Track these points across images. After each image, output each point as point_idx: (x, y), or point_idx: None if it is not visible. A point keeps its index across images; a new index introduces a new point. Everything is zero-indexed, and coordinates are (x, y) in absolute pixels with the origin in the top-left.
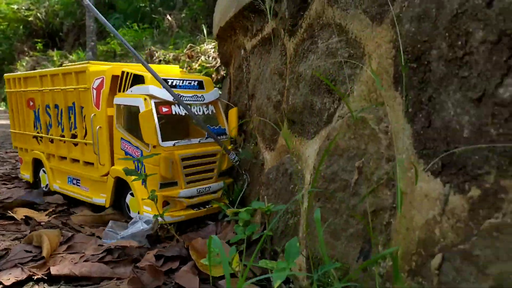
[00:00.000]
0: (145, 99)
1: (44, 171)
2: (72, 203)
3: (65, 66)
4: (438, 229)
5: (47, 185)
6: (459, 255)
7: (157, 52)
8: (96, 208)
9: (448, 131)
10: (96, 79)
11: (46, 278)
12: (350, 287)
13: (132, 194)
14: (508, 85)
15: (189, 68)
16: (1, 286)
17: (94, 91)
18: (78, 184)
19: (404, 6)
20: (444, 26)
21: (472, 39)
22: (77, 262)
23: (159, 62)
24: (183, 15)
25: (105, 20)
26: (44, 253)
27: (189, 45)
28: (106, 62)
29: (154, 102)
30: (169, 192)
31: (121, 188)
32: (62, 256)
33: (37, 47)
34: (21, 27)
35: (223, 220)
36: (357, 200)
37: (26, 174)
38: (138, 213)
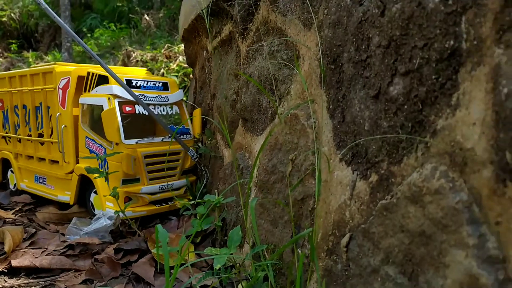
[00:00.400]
0: (108, 98)
1: (12, 171)
2: (39, 202)
3: (32, 67)
4: (348, 212)
5: (15, 185)
6: (361, 233)
7: (134, 52)
8: (63, 207)
9: (355, 125)
10: (62, 79)
11: (6, 271)
12: (278, 264)
13: (96, 192)
14: (396, 83)
15: (167, 68)
16: None
17: (60, 91)
18: (44, 182)
19: (324, 14)
20: (352, 32)
21: (372, 43)
22: (38, 256)
23: (136, 62)
24: (161, 14)
25: (63, 23)
26: (6, 248)
27: (166, 45)
28: (73, 64)
29: (118, 102)
30: (131, 188)
31: (85, 186)
32: (24, 251)
33: (12, 48)
34: None
35: (185, 215)
36: (290, 189)
37: None
38: (97, 208)
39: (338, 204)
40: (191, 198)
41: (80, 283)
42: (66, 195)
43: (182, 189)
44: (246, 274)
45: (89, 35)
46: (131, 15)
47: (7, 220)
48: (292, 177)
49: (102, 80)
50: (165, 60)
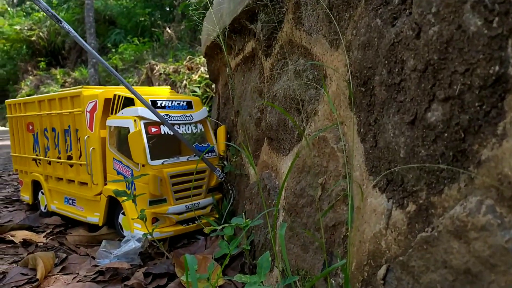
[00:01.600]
0: (134, 120)
1: (42, 193)
2: (70, 223)
3: (60, 91)
4: (384, 242)
5: (45, 206)
6: (399, 265)
7: (157, 65)
8: (93, 228)
9: (389, 151)
10: (89, 103)
11: None
12: None
13: (124, 213)
14: (434, 109)
15: (189, 79)
16: None
17: (88, 114)
18: (74, 203)
19: (353, 34)
20: (384, 54)
21: (406, 66)
22: (69, 283)
23: (160, 75)
24: (182, 27)
25: (88, 46)
26: (38, 276)
27: (188, 57)
28: (100, 87)
29: (144, 123)
30: (158, 209)
31: (114, 207)
32: (56, 278)
33: (40, 66)
34: (24, 47)
35: (212, 235)
36: (320, 215)
37: (26, 196)
38: (126, 230)
39: (373, 233)
40: (217, 216)
41: None
42: (95, 217)
43: (208, 207)
44: None
45: (113, 50)
46: (153, 29)
47: (39, 244)
48: (322, 202)
49: (128, 102)
50: (187, 71)
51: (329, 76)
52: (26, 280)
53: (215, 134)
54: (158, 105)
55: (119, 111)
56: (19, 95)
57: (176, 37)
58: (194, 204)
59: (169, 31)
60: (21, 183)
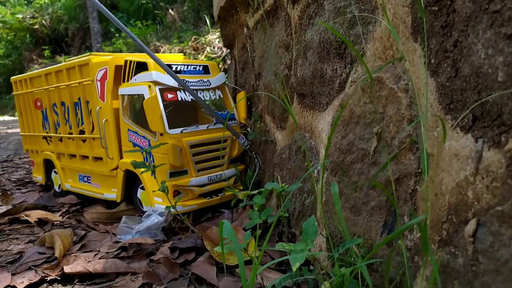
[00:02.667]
0: (149, 86)
1: (55, 172)
2: (86, 202)
3: (67, 60)
4: (472, 191)
5: (59, 186)
6: (496, 218)
7: (162, 47)
8: (110, 205)
9: (479, 78)
10: (99, 71)
11: (59, 278)
12: (375, 264)
13: (142, 188)
14: None
15: (195, 60)
16: None
17: (98, 83)
18: (89, 181)
19: None
20: None
21: None
22: (90, 260)
23: None
24: (185, 8)
25: (106, 10)
26: (57, 254)
27: (193, 37)
28: (109, 53)
29: (159, 89)
30: (180, 181)
31: (131, 182)
32: (76, 255)
33: (45, 54)
34: (27, 35)
35: (238, 206)
36: (377, 170)
37: (39, 176)
38: (150, 206)
39: (455, 182)
40: (241, 188)
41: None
42: (113, 193)
43: (232, 179)
44: (325, 272)
45: (117, 34)
46: (156, 11)
47: (55, 222)
48: (378, 154)
49: (141, 67)
50: (192, 52)
51: (381, 6)
52: (44, 259)
53: (234, 100)
54: (173, 69)
55: (131, 78)
56: None
57: (179, 19)
58: (216, 175)
59: (172, 12)
60: (33, 163)
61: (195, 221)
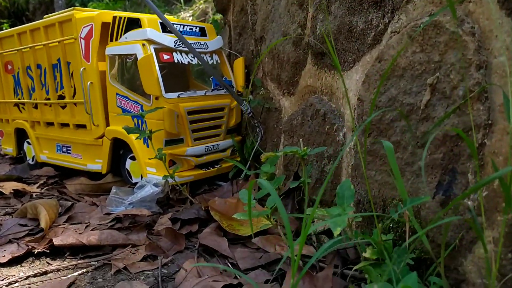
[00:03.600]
0: (143, 44)
1: (28, 142)
2: (64, 174)
3: (46, 17)
4: None
5: (33, 158)
6: None
7: None
8: (94, 177)
9: None
10: (83, 27)
11: (48, 251)
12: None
13: (132, 158)
14: None
15: None
16: None
17: (83, 42)
18: (68, 151)
19: None
20: None
21: None
22: (82, 232)
23: None
24: None
25: None
26: (43, 225)
27: (165, 14)
28: (91, 9)
29: (154, 48)
30: (176, 150)
31: (118, 152)
32: (64, 227)
33: (3, 28)
34: None
35: (239, 178)
36: (430, 125)
37: (9, 148)
38: (142, 176)
39: None
40: (239, 159)
41: (141, 261)
42: (97, 164)
43: (228, 150)
44: (363, 237)
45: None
46: None
47: (33, 194)
48: (432, 108)
49: (132, 25)
50: None
51: None
52: (26, 232)
53: (230, 67)
54: (183, 30)
55: (121, 37)
56: None
57: None
58: (214, 145)
59: None
60: (1, 134)
61: (191, 194)
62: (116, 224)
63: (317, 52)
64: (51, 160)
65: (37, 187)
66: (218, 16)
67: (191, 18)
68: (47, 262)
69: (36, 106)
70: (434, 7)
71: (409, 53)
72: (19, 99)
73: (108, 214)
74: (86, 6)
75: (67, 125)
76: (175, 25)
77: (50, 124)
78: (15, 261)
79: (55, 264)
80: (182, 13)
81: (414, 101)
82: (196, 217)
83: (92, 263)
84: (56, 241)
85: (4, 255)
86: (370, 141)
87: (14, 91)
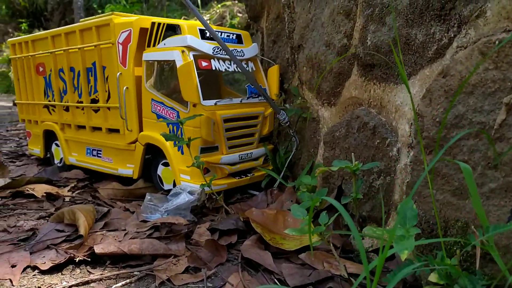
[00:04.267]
0: (182, 51)
1: (57, 144)
2: (94, 177)
3: (82, 21)
4: None
5: (61, 160)
6: None
7: None
8: (124, 181)
9: None
10: (122, 32)
11: (88, 259)
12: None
13: (164, 164)
14: None
15: None
16: (37, 271)
17: (120, 47)
18: (99, 155)
19: None
20: None
21: None
22: (121, 240)
23: None
24: None
25: None
26: (82, 231)
27: (182, 17)
28: (130, 14)
29: (193, 55)
30: (211, 158)
31: (150, 157)
32: (103, 234)
33: (22, 28)
34: (3, 7)
35: (273, 188)
36: (505, 146)
37: (36, 149)
38: (174, 183)
39: None
40: (271, 168)
41: (183, 272)
42: (129, 169)
43: (261, 159)
44: (429, 261)
45: (99, 11)
46: None
47: (66, 198)
48: (508, 127)
49: (171, 31)
50: None
51: None
52: (64, 238)
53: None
54: (207, 35)
55: (159, 43)
56: (0, 58)
57: None
58: (247, 154)
59: None
60: (29, 134)
61: (224, 202)
62: (154, 232)
63: (365, 64)
64: (80, 163)
65: (68, 190)
66: (235, 21)
67: (208, 21)
68: (87, 271)
69: (67, 109)
70: (509, 23)
71: (480, 70)
72: (49, 101)
73: (144, 221)
74: (103, 8)
75: (99, 128)
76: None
77: (81, 127)
78: (55, 269)
79: (97, 273)
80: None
81: (485, 119)
82: (235, 228)
83: (134, 273)
84: (97, 249)
85: (45, 262)
86: (430, 158)
87: (44, 93)
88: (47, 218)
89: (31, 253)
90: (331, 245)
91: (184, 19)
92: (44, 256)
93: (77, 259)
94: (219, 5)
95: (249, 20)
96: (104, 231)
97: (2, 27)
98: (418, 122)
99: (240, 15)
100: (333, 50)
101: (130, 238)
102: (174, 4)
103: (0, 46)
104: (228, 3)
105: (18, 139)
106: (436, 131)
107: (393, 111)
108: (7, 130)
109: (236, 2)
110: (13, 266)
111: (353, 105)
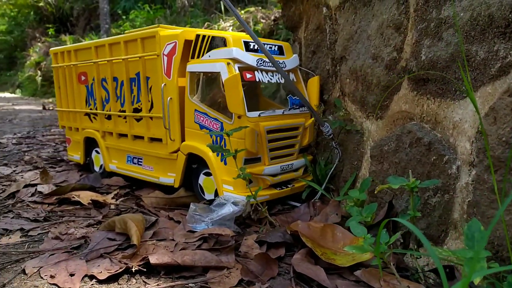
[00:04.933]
0: (228, 63)
1: (97, 151)
2: (134, 185)
3: (127, 32)
4: None
5: (101, 166)
6: None
7: None
8: (164, 190)
9: None
10: (167, 45)
11: (144, 269)
12: None
13: (206, 174)
14: None
15: None
16: (95, 280)
17: (165, 58)
18: (140, 163)
19: None
20: None
21: None
22: (173, 250)
23: None
24: None
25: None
26: (135, 241)
27: (206, 23)
28: (174, 26)
29: (238, 67)
30: (254, 169)
31: (192, 167)
32: (154, 244)
33: (49, 33)
34: (31, 13)
35: (315, 199)
36: None
37: (76, 155)
38: (216, 194)
39: None
40: (309, 179)
41: (236, 285)
42: (170, 177)
43: (301, 170)
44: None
45: (124, 17)
46: None
47: (111, 206)
48: None
49: (216, 43)
50: None
51: None
52: (116, 246)
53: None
54: (251, 47)
55: (203, 55)
56: (27, 62)
57: (189, 4)
58: (288, 165)
59: None
60: (69, 141)
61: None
62: (203, 243)
63: (418, 78)
64: (120, 170)
65: (112, 198)
66: (259, 27)
67: (231, 28)
68: (143, 281)
69: (109, 117)
70: None
71: None
72: (91, 109)
73: (191, 231)
74: (128, 13)
75: (140, 137)
76: (254, 44)
77: (122, 135)
78: (112, 278)
79: (152, 283)
80: (222, 22)
81: None
82: (283, 241)
83: (189, 285)
84: (152, 259)
85: (101, 271)
86: (498, 178)
87: (86, 101)
88: (96, 226)
89: (86, 262)
90: (391, 264)
91: (208, 25)
92: (99, 265)
93: (133, 269)
94: (243, 11)
95: (286, 29)
96: (154, 241)
97: (30, 32)
98: (481, 140)
99: (264, 21)
100: (380, 63)
101: (181, 249)
102: (197, 10)
103: (28, 51)
104: (251, 9)
105: (54, 144)
106: (502, 151)
107: (451, 128)
108: (43, 135)
109: (260, 8)
110: (71, 275)
111: (403, 119)
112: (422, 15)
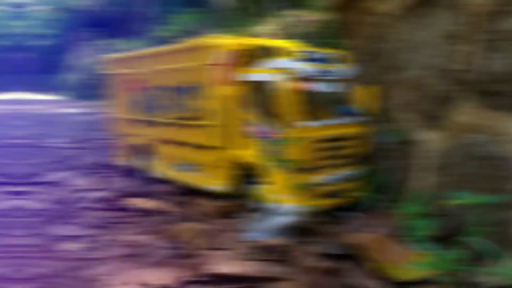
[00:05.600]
0: (283, 73)
1: (148, 158)
2: (184, 191)
3: (181, 43)
4: None
5: (153, 173)
6: None
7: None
8: (212, 197)
9: None
10: (219, 54)
11: (213, 279)
12: None
13: (258, 183)
14: None
15: None
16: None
17: (217, 67)
18: (190, 170)
19: None
20: None
21: None
22: (233, 260)
23: None
24: None
25: None
26: (198, 251)
27: (252, 26)
28: (227, 36)
29: (293, 77)
30: (308, 178)
31: (243, 175)
32: (214, 253)
33: (89, 37)
34: (71, 16)
35: (370, 210)
36: None
37: (127, 161)
38: (268, 202)
39: None
40: (365, 190)
41: None
42: (220, 185)
43: (355, 180)
44: None
45: (168, 21)
46: None
47: (167, 213)
48: None
49: (270, 53)
50: None
51: None
52: (178, 254)
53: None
54: (316, 57)
55: (257, 64)
56: (74, 65)
57: (229, 7)
58: (341, 175)
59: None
60: (120, 147)
61: (319, 223)
62: (263, 253)
63: (482, 91)
64: (171, 177)
65: (167, 205)
66: (301, 31)
67: (269, 32)
68: None
69: (160, 125)
70: None
71: None
72: (142, 116)
73: (247, 241)
74: (166, 18)
75: (191, 144)
76: (321, 54)
77: (173, 142)
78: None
79: None
80: (260, 26)
81: None
82: (340, 253)
83: None
84: (217, 269)
85: (171, 278)
86: None
87: (137, 109)
88: (157, 233)
89: (154, 268)
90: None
91: (249, 29)
92: (167, 272)
93: (204, 279)
94: (286, 14)
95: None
96: (213, 250)
97: (77, 35)
98: None
99: (309, 25)
100: (438, 74)
101: (240, 259)
102: (230, 14)
103: (75, 53)
104: (296, 12)
105: (104, 149)
106: None
107: (509, 142)
108: (95, 139)
109: (305, 12)
110: (143, 285)
111: (465, 132)
112: (490, 28)
